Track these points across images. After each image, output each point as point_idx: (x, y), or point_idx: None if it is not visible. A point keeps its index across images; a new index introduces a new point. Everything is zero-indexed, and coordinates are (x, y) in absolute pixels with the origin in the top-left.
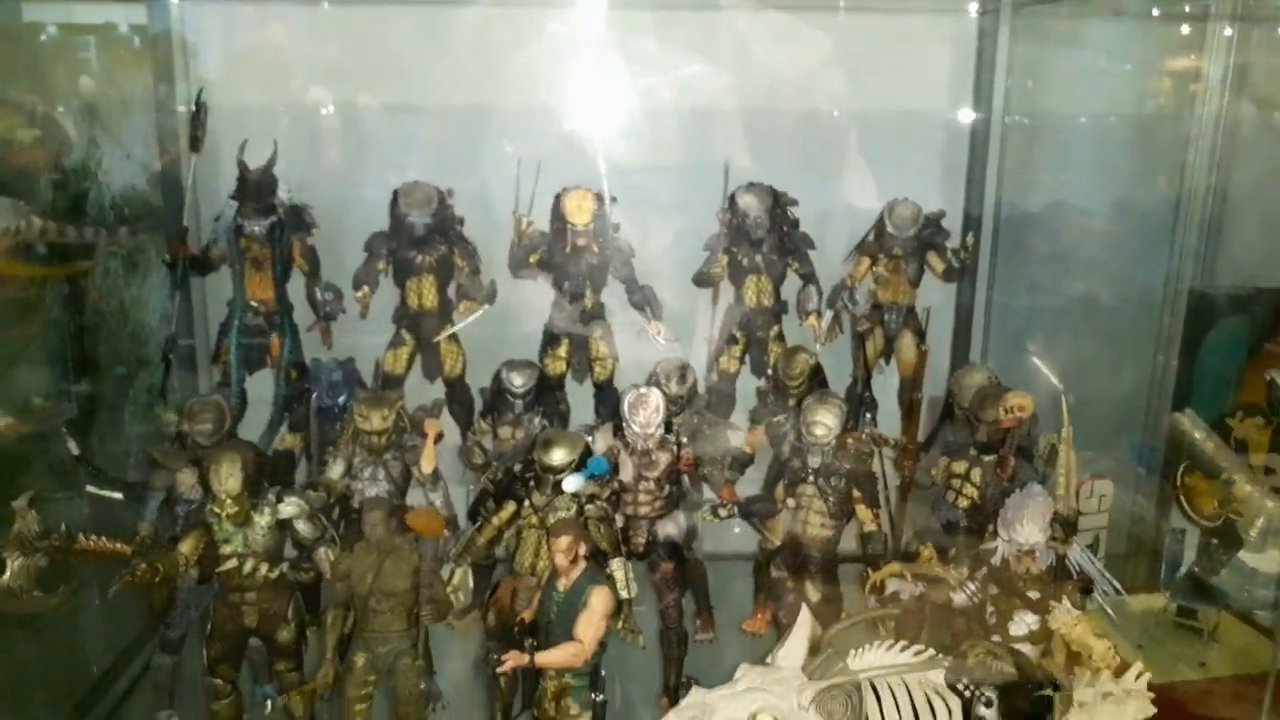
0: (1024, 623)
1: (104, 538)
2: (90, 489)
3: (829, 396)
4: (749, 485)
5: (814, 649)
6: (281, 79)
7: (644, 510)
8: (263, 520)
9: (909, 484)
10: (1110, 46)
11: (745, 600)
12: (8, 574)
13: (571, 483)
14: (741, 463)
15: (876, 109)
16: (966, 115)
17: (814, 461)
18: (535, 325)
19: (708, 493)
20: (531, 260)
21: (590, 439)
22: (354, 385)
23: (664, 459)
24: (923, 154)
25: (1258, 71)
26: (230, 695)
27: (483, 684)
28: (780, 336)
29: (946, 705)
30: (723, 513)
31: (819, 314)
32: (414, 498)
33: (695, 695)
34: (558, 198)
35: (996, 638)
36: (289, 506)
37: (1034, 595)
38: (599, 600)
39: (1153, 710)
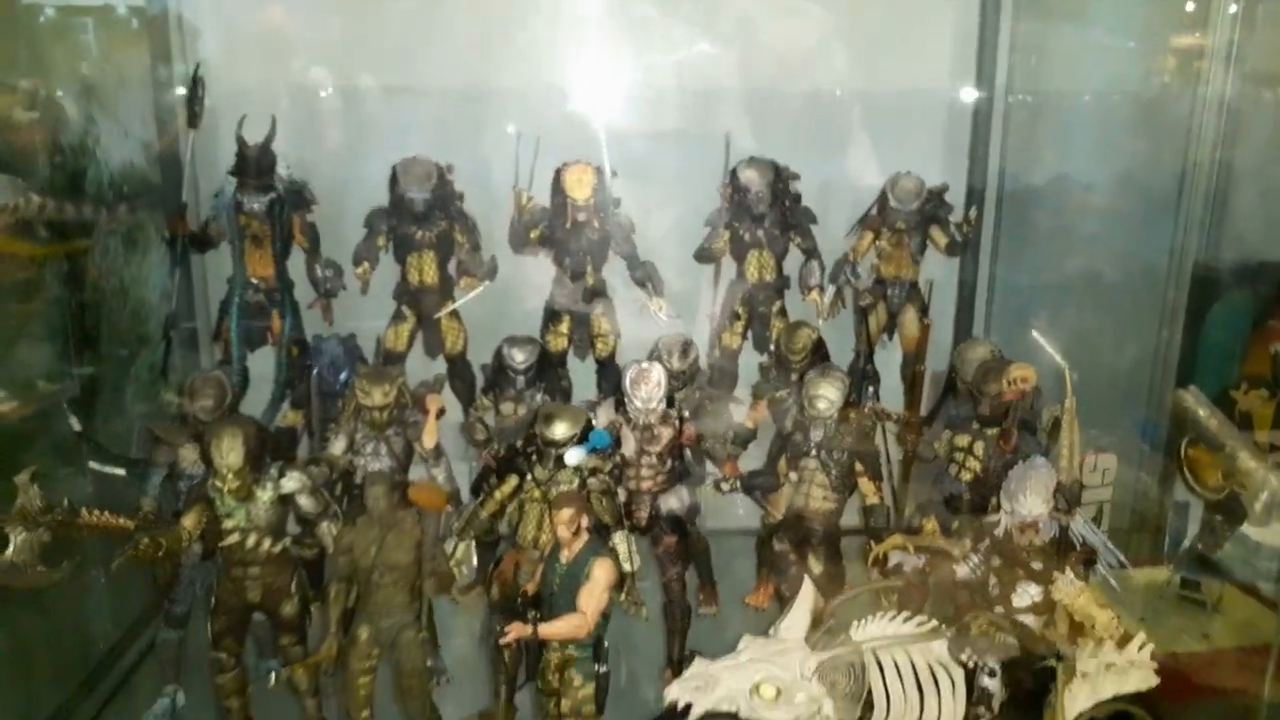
0: (1027, 594)
1: (107, 513)
2: (93, 465)
3: (831, 370)
4: (751, 461)
5: (816, 621)
6: (280, 58)
7: (646, 485)
8: (265, 495)
9: (912, 458)
10: (1114, 22)
11: (748, 575)
12: (11, 549)
13: (573, 456)
14: (744, 438)
15: (878, 86)
16: (969, 91)
17: (816, 435)
18: (537, 302)
19: (710, 468)
20: (532, 236)
21: (592, 415)
22: (355, 361)
23: (666, 434)
24: (925, 131)
25: (1262, 45)
26: (235, 669)
27: (486, 658)
28: (782, 312)
29: (950, 676)
30: (725, 487)
31: (821, 289)
32: (416, 474)
33: (698, 666)
34: (558, 172)
35: (999, 609)
36: (291, 481)
37: (1037, 566)
38: (601, 572)
39: (1156, 680)
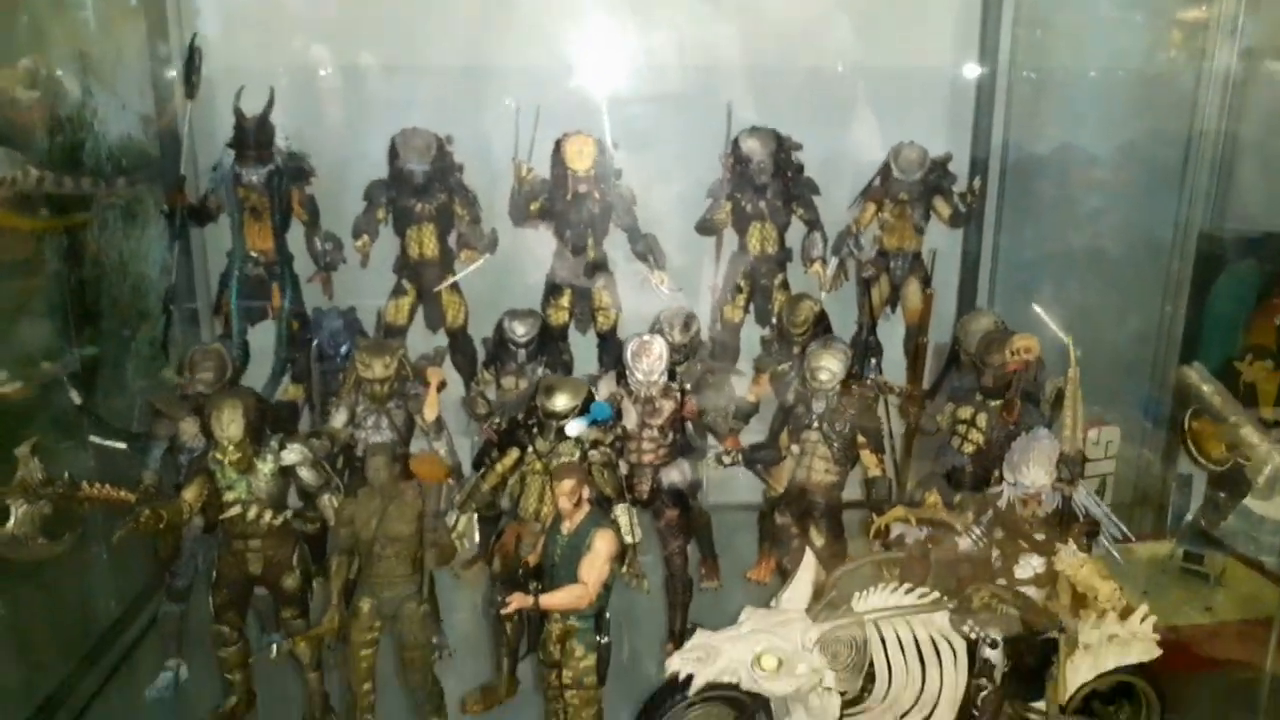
0: (1029, 566)
1: (107, 486)
2: (93, 439)
3: (833, 342)
4: (753, 436)
5: (818, 592)
6: (279, 35)
7: (648, 458)
8: (266, 467)
9: (914, 430)
10: None
11: (750, 550)
12: (12, 521)
13: (574, 427)
14: (745, 412)
15: (881, 61)
16: (972, 67)
17: (818, 407)
18: (538, 276)
19: (712, 443)
20: (533, 208)
21: (593, 388)
22: (355, 334)
23: (668, 407)
24: (929, 106)
25: (1267, 16)
26: (237, 642)
27: (488, 631)
28: (785, 285)
29: (951, 647)
30: (727, 460)
31: (824, 261)
32: (418, 447)
33: (700, 637)
34: (558, 143)
35: (1002, 581)
36: (292, 453)
37: (1039, 538)
38: (603, 543)
39: (1158, 652)
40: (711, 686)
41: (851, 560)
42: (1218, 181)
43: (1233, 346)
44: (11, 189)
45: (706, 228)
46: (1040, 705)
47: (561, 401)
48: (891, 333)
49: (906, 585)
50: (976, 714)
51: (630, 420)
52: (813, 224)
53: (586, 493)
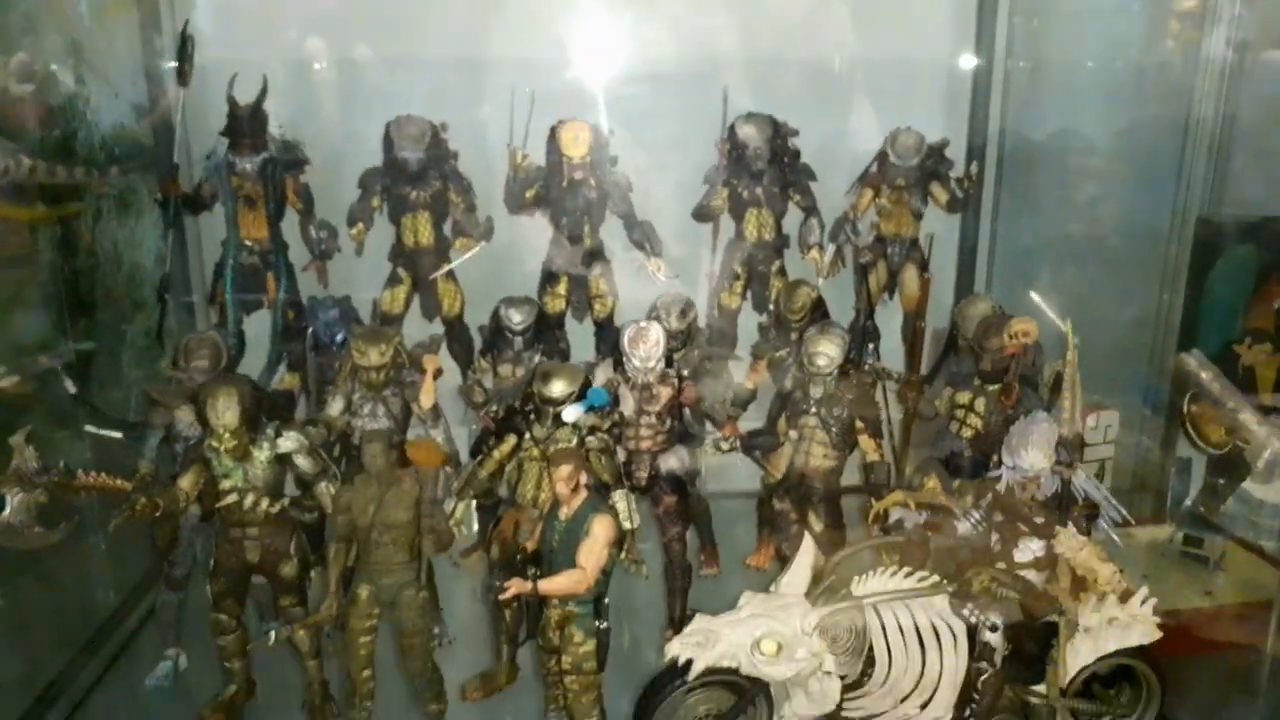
0: (1029, 549)
1: (103, 474)
2: (89, 428)
3: (830, 327)
4: (751, 423)
5: (817, 577)
6: (274, 27)
7: (646, 444)
8: (262, 455)
9: (912, 416)
10: None
11: (749, 538)
12: (8, 510)
13: (571, 412)
14: (743, 399)
15: (877, 52)
16: (969, 48)
17: (816, 392)
18: (535, 265)
19: (710, 430)
20: (528, 196)
21: (591, 375)
22: (351, 322)
23: (665, 393)
24: (925, 95)
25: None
26: (236, 631)
27: (488, 619)
28: (782, 271)
29: (951, 631)
30: (725, 446)
31: (821, 247)
32: (414, 435)
33: (699, 622)
34: (553, 130)
35: (1001, 565)
36: (288, 441)
37: (1039, 521)
38: (601, 528)
39: (1158, 635)
40: (711, 671)
41: (850, 545)
42: (1215, 167)
43: (1231, 331)
44: (4, 178)
45: (703, 214)
46: (1040, 688)
47: (559, 387)
48: (889, 319)
49: (906, 569)
50: (976, 697)
51: (628, 407)
52: (810, 210)
53: (584, 478)
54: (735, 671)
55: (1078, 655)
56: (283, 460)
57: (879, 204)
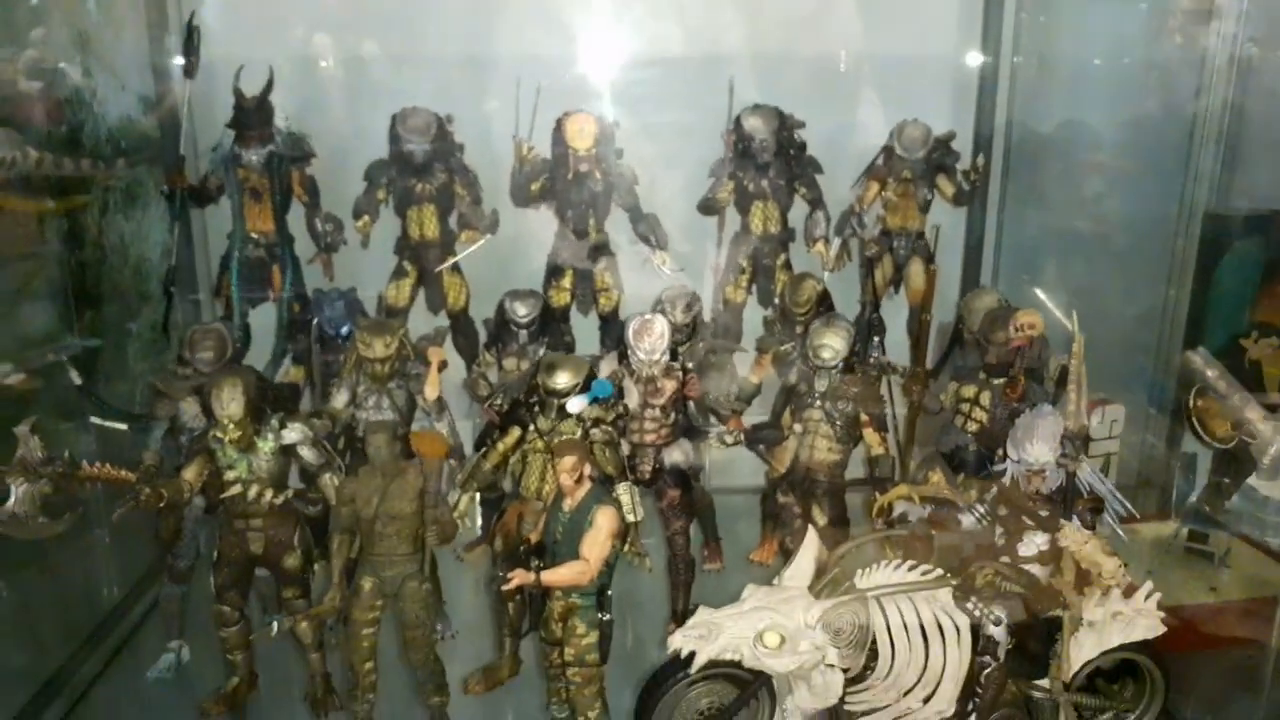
0: (1033, 543)
1: (108, 465)
2: (94, 420)
3: (836, 319)
4: (755, 418)
5: (821, 570)
6: (278, 15)
7: (650, 438)
8: (266, 446)
9: (917, 410)
10: None
11: (752, 534)
12: (13, 500)
13: (575, 404)
14: (748, 394)
15: (885, 45)
16: (976, 43)
17: (821, 385)
18: (540, 258)
19: (714, 424)
20: (534, 189)
21: (595, 368)
22: (356, 315)
23: (669, 386)
24: (932, 86)
25: None
26: (238, 623)
27: (491, 612)
28: (787, 265)
29: (955, 624)
30: (729, 439)
31: (827, 241)
32: (419, 427)
33: (702, 615)
34: (559, 122)
35: (1005, 559)
36: (292, 432)
37: (1043, 514)
38: (604, 519)
39: (1162, 629)
40: (714, 664)
41: (854, 539)
42: (1222, 161)
43: (1238, 325)
44: (10, 170)
45: (708, 207)
46: (1044, 683)
47: (563, 379)
48: (895, 313)
49: (910, 563)
50: (980, 691)
51: (632, 400)
52: (815, 203)
53: (588, 469)
54: (738, 664)
55: (1081, 649)
56: (287, 452)
57: (885, 197)
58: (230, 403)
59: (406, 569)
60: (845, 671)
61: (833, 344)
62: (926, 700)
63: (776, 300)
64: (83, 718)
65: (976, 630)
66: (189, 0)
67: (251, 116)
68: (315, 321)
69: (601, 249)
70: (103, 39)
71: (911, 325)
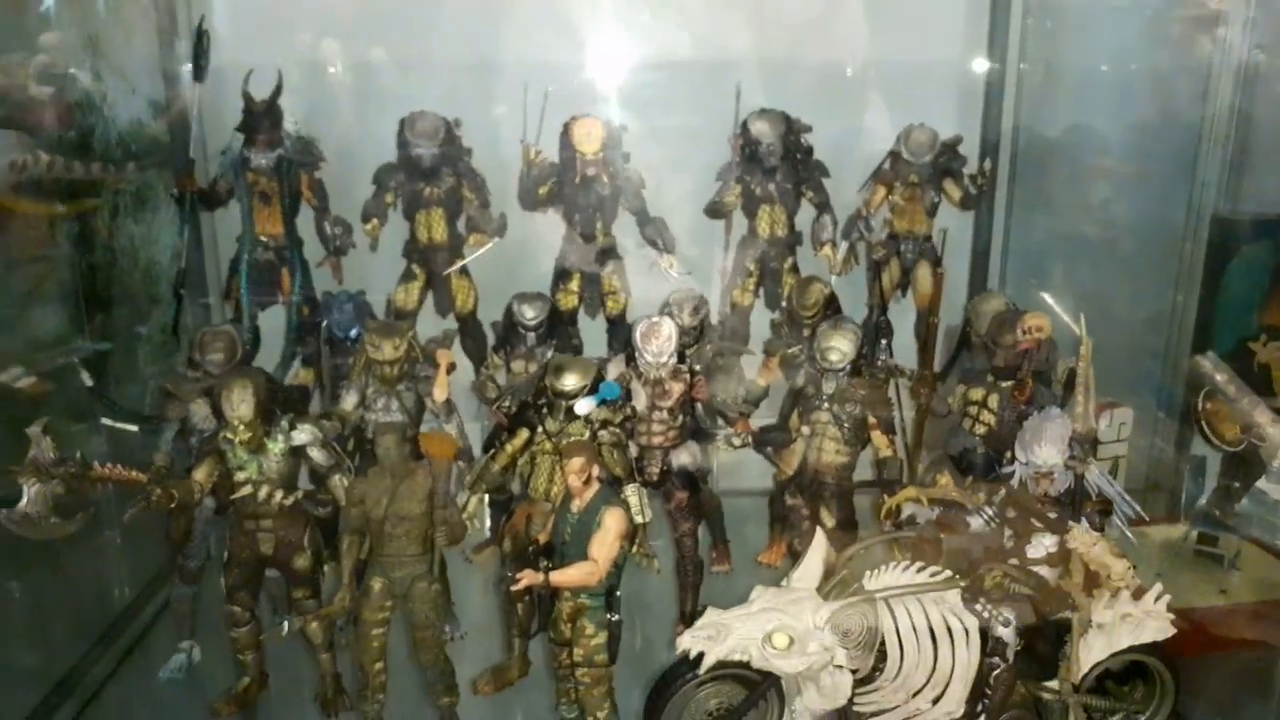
0: (1041, 545)
1: (119, 466)
2: (105, 421)
3: (843, 322)
4: (762, 421)
5: (829, 571)
6: (289, 28)
7: (658, 440)
8: (276, 447)
9: (925, 413)
10: None
11: (760, 537)
12: (25, 500)
13: (583, 405)
14: (756, 396)
15: (892, 51)
16: (982, 49)
17: (828, 388)
18: (548, 262)
19: (721, 426)
20: (541, 192)
21: (603, 370)
22: (365, 317)
23: (677, 389)
24: (939, 91)
25: None
26: (249, 623)
27: (500, 613)
28: (795, 268)
29: (964, 626)
30: (736, 441)
31: (834, 244)
32: (428, 429)
33: (710, 616)
34: (566, 126)
35: (1014, 561)
36: (302, 433)
37: (1052, 516)
38: (613, 520)
39: (1172, 631)
40: (722, 665)
41: (862, 540)
42: (1230, 165)
43: (1247, 328)
44: (22, 174)
45: (716, 211)
46: (1053, 684)
47: (571, 381)
48: (902, 317)
49: (918, 564)
50: (989, 693)
51: (640, 402)
52: (822, 207)
53: (596, 470)
54: (746, 665)
55: (1091, 651)
56: (297, 453)
57: (892, 201)
58: (240, 404)
59: (416, 570)
60: (854, 673)
61: (840, 347)
62: (935, 701)
63: (784, 303)
64: (94, 717)
65: (985, 632)
66: (199, 5)
67: (261, 120)
68: (324, 324)
69: (609, 252)
70: (113, 43)
71: (919, 328)
